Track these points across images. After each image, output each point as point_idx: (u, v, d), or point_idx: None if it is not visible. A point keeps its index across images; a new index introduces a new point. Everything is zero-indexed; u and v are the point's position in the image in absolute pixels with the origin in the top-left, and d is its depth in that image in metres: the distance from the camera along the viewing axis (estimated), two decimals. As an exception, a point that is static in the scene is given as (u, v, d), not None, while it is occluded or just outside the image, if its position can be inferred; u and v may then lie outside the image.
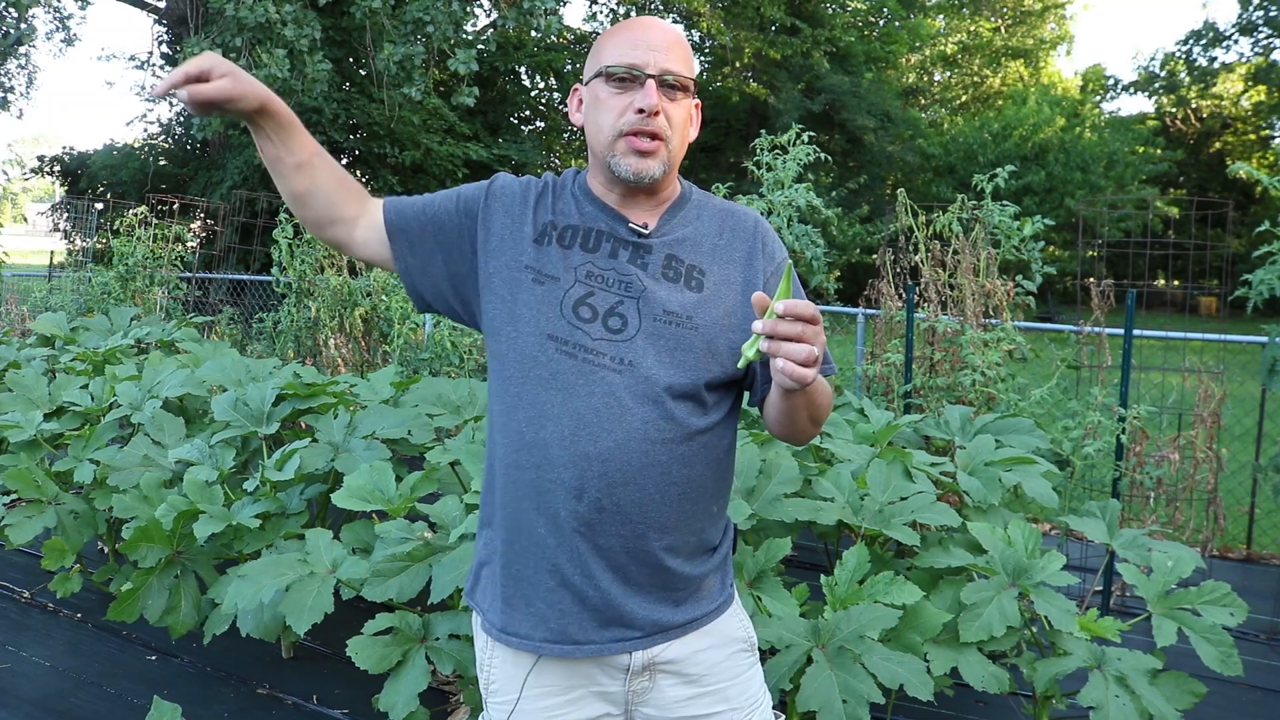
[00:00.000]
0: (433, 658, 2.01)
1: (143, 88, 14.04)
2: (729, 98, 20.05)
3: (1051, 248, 15.50)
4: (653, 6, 19.42)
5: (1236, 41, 23.71)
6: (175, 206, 7.42)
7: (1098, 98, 25.86)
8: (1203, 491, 3.92)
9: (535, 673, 1.23)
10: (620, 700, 1.25)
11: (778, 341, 1.00)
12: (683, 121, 1.23)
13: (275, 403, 2.80)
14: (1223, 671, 1.93)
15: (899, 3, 21.87)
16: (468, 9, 11.44)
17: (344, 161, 13.28)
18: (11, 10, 10.00)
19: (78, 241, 10.51)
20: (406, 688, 1.95)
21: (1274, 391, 3.34)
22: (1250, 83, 22.94)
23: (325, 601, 2.05)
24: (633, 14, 17.97)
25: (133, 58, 14.13)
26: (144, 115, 14.56)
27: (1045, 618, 1.97)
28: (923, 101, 26.84)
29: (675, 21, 19.57)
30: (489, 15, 13.74)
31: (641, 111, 1.18)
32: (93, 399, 3.21)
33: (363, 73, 12.67)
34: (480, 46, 13.17)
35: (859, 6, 22.21)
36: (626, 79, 1.19)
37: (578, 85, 1.30)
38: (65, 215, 12.12)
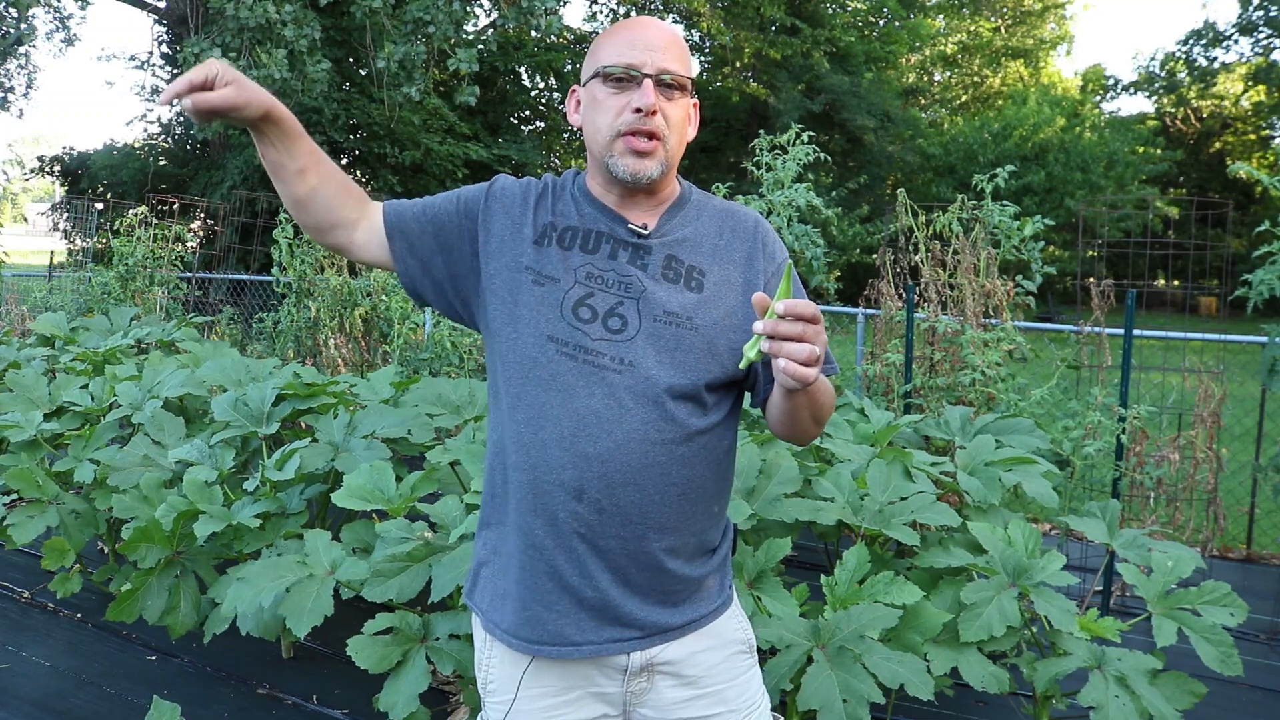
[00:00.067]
0: (433, 658, 2.01)
1: (143, 88, 14.08)
2: (729, 98, 20.06)
3: (1051, 248, 15.49)
4: (653, 6, 19.43)
5: (1236, 41, 23.73)
6: (175, 206, 7.42)
7: (1098, 98, 25.86)
8: (1203, 491, 3.92)
9: (532, 673, 1.23)
10: (618, 701, 1.25)
11: (779, 341, 1.00)
12: (681, 121, 1.23)
13: (275, 403, 2.80)
14: (1223, 671, 1.93)
15: (899, 3, 21.87)
16: (468, 9, 11.45)
17: (344, 162, 13.29)
18: (11, 10, 10.01)
19: (78, 241, 10.52)
20: (407, 688, 1.95)
21: (1274, 391, 3.34)
22: (1250, 83, 22.94)
23: (325, 604, 2.05)
24: (632, 14, 17.99)
25: (133, 58, 14.17)
26: (144, 115, 14.54)
27: (1045, 618, 1.97)
28: (923, 101, 26.84)
29: (675, 21, 19.59)
30: (489, 15, 13.75)
31: (639, 111, 1.18)
32: (93, 399, 3.21)
33: (363, 73, 12.67)
34: (480, 46, 13.16)
35: (859, 6, 22.21)
36: (624, 79, 1.19)
37: (576, 87, 1.30)
38: (65, 215, 12.13)
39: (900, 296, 4.50)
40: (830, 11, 20.88)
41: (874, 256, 4.81)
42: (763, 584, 2.06)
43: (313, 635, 2.27)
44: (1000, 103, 24.50)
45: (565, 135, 19.86)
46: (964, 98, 27.40)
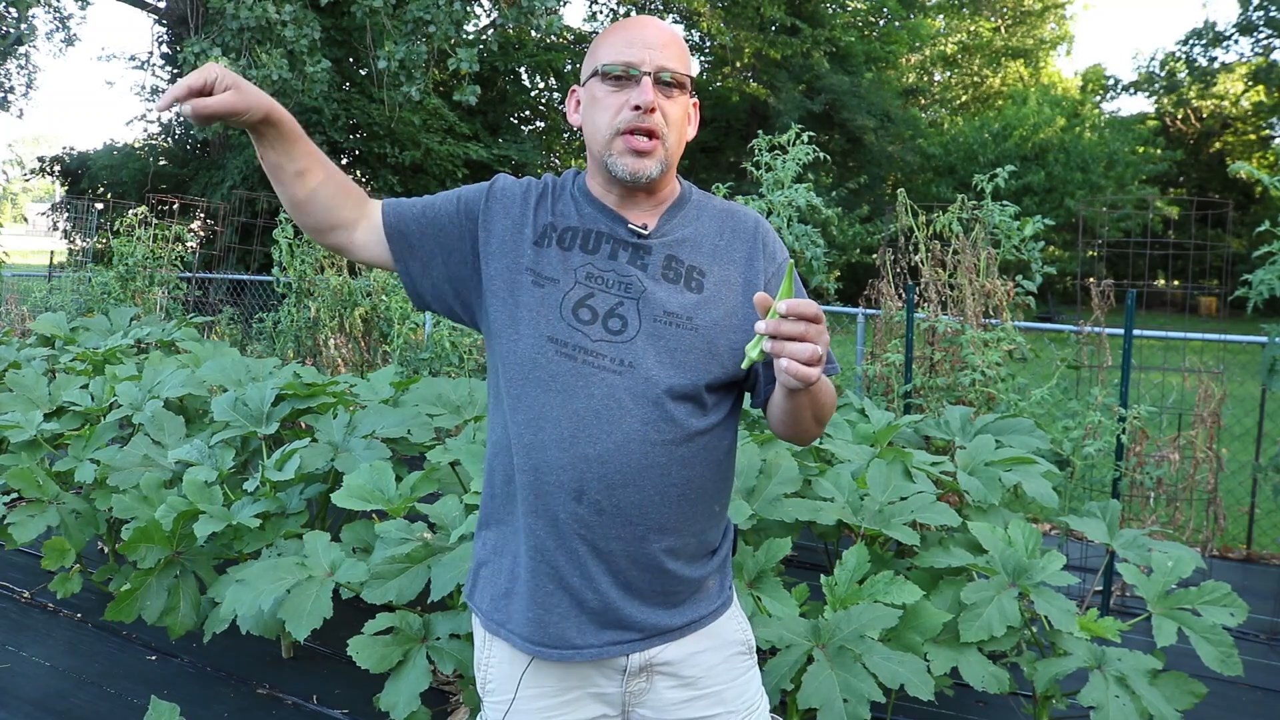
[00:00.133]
0: (433, 657, 2.01)
1: (143, 88, 14.08)
2: (729, 98, 20.06)
3: (1051, 248, 15.50)
4: (653, 6, 19.43)
5: (1236, 41, 23.73)
6: (175, 206, 7.42)
7: (1098, 98, 25.86)
8: (1203, 491, 3.92)
9: (531, 673, 1.23)
10: (617, 701, 1.25)
11: (781, 341, 1.00)
12: (680, 119, 1.23)
13: (275, 403, 2.80)
14: (1223, 671, 1.93)
15: (899, 3, 21.87)
16: (468, 9, 11.45)
17: (344, 161, 13.29)
18: (11, 10, 10.01)
19: (78, 241, 10.51)
20: (407, 687, 1.95)
21: (1274, 391, 3.34)
22: (1250, 83, 22.94)
23: (324, 606, 2.05)
24: (632, 14, 17.98)
25: (133, 58, 14.15)
26: (144, 115, 14.53)
27: (1045, 618, 1.97)
28: (923, 101, 26.84)
29: (675, 21, 19.60)
30: (489, 15, 13.75)
31: (638, 108, 1.18)
32: (93, 399, 3.21)
33: (363, 73, 12.67)
34: (480, 46, 13.17)
35: (859, 6, 22.21)
36: (623, 77, 1.19)
37: (575, 87, 1.30)
38: (65, 215, 12.13)
39: (900, 296, 4.50)
40: (830, 11, 20.88)
41: (874, 256, 4.81)
42: (763, 584, 2.06)
43: (313, 635, 2.27)
44: (1000, 103, 24.50)
45: (565, 135, 19.86)
46: (964, 98, 27.40)
